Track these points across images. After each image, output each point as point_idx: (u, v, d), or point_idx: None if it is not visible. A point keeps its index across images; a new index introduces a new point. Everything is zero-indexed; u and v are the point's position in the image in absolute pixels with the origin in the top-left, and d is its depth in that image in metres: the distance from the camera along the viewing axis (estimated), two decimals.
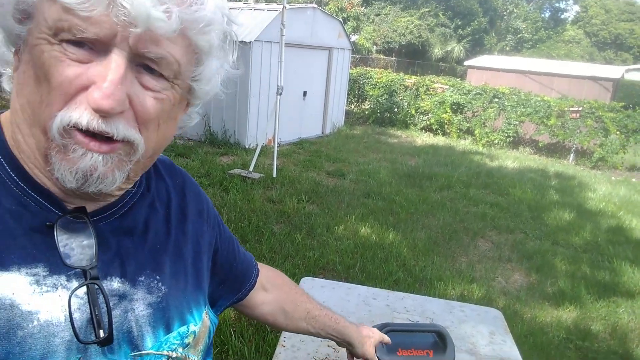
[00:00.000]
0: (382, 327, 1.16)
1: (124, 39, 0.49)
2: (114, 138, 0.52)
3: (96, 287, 0.55)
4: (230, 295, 0.89)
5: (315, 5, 9.15)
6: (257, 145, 6.45)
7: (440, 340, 1.20)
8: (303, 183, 6.08)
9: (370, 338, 1.06)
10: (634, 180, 9.07)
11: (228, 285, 0.87)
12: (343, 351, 1.13)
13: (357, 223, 4.97)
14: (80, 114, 0.49)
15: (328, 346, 1.40)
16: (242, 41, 7.29)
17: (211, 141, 7.73)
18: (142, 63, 0.52)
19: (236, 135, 7.70)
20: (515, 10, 34.35)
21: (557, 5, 40.45)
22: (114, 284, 0.59)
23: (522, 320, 3.49)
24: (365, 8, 25.83)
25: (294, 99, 8.62)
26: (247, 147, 7.56)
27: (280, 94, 6.09)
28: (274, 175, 6.13)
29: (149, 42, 0.50)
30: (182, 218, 0.72)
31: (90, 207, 0.59)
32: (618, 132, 9.42)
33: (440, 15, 28.51)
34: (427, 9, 27.96)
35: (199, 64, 0.58)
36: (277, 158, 6.37)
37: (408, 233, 4.89)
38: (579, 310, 3.75)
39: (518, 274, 4.33)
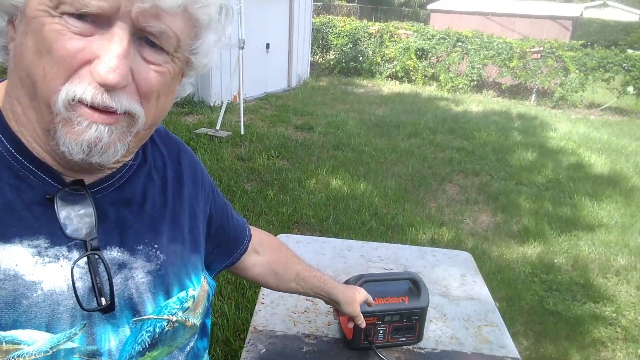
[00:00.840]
0: (357, 279, 1.20)
1: (127, 12, 0.49)
2: (117, 111, 0.53)
3: (96, 257, 0.57)
4: (223, 259, 0.92)
5: None
6: (222, 103, 6.31)
7: (414, 286, 1.25)
8: (272, 139, 6.03)
9: (355, 298, 1.11)
10: (592, 117, 9.37)
11: (222, 250, 0.90)
12: (321, 303, 1.18)
13: (328, 176, 5.01)
14: (85, 89, 0.50)
15: (306, 300, 1.45)
16: None
17: (176, 102, 7.49)
18: (143, 36, 0.53)
19: (200, 93, 7.49)
20: None
21: None
22: (114, 253, 0.61)
23: (490, 258, 3.67)
24: None
25: (257, 53, 8.38)
26: (212, 105, 7.38)
27: (242, 48, 5.91)
28: (242, 133, 6.05)
29: (150, 17, 0.51)
30: (178, 186, 0.74)
31: (88, 180, 0.60)
32: (577, 71, 9.62)
33: None
34: None
35: (198, 38, 0.59)
36: (243, 115, 6.26)
37: (378, 182, 4.97)
38: (542, 245, 3.95)
39: (485, 215, 4.50)
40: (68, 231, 0.56)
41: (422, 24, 12.58)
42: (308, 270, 1.06)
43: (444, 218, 4.33)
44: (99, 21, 0.50)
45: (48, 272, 0.55)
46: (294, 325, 1.34)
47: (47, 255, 0.55)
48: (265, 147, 5.70)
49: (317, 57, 12.64)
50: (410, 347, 1.29)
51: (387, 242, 3.87)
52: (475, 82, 10.50)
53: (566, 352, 2.75)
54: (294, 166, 5.23)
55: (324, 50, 12.60)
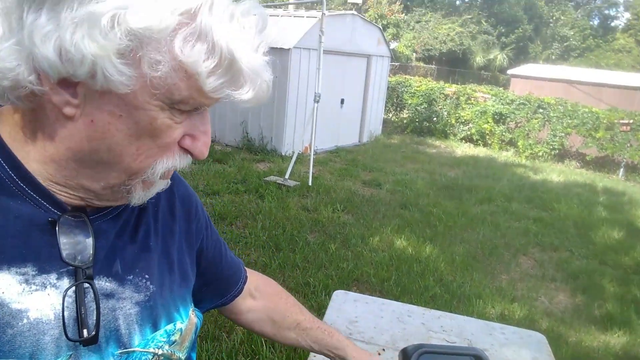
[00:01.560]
0: (416, 349, 1.09)
1: None
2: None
3: (85, 285, 0.57)
4: (214, 299, 0.89)
5: (355, 12, 9.11)
6: (293, 153, 6.44)
7: None
8: (338, 192, 6.02)
9: None
10: None
11: (212, 288, 0.87)
12: None
13: (393, 235, 4.86)
14: (181, 161, 0.57)
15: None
16: (280, 48, 7.34)
17: (248, 148, 7.79)
18: None
19: (273, 142, 7.72)
20: (562, 18, 33.27)
21: (606, 12, 38.91)
22: (102, 282, 0.60)
23: (566, 344, 3.30)
24: (406, 15, 25.62)
25: (331, 107, 8.58)
26: (283, 154, 7.57)
27: (318, 102, 6.07)
28: (310, 184, 6.09)
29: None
30: (170, 217, 0.74)
31: (89, 207, 0.61)
32: None
33: (483, 22, 27.94)
34: (470, 16, 27.45)
35: None
36: (313, 166, 6.34)
37: (446, 247, 4.74)
38: (628, 335, 3.51)
39: (563, 295, 4.11)
40: (65, 257, 0.55)
41: (501, 88, 12.36)
42: (311, 322, 0.97)
43: (516, 293, 4.00)
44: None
45: (35, 300, 0.54)
46: None
47: (34, 283, 0.54)
48: (331, 199, 5.69)
49: (391, 115, 12.73)
50: None
51: (451, 312, 3.63)
52: (557, 151, 10.00)
53: None
54: (358, 221, 5.14)
55: (398, 108, 12.69)
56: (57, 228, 0.56)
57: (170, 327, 0.67)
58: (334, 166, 7.50)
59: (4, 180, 0.55)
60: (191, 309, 0.74)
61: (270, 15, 8.37)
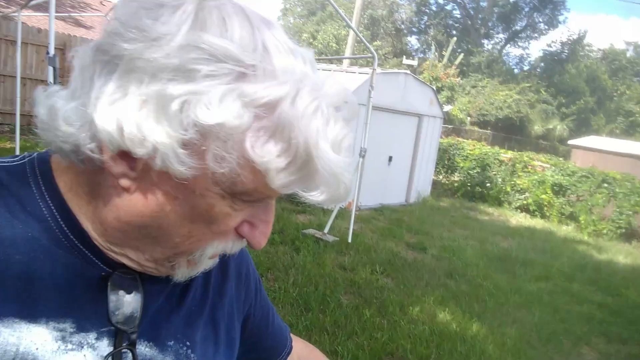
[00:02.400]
0: None
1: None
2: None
3: (124, 351, 0.54)
4: None
5: (409, 72, 9.02)
6: (334, 207, 6.16)
7: None
8: (379, 252, 5.63)
9: None
10: None
11: (254, 357, 0.82)
12: None
13: (436, 306, 4.38)
14: (232, 246, 0.53)
15: None
16: None
17: (290, 198, 7.57)
18: None
19: None
20: (627, 92, 32.18)
21: None
22: (142, 348, 0.57)
23: None
24: (462, 79, 25.57)
25: (378, 164, 8.34)
26: (325, 207, 7.31)
27: (363, 157, 5.84)
28: (349, 241, 5.75)
29: None
30: (221, 278, 0.70)
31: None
32: None
33: (542, 92, 27.42)
34: (528, 84, 27.04)
35: None
36: (355, 223, 6.01)
37: (496, 327, 4.20)
38: None
39: None
40: (111, 317, 0.52)
41: (561, 158, 11.72)
42: None
43: None
44: None
45: None
46: None
47: (70, 342, 0.51)
48: (370, 260, 5.30)
49: (441, 177, 12.29)
50: None
51: None
52: (623, 230, 9.16)
53: None
54: (398, 287, 4.71)
55: (449, 171, 12.25)
56: (108, 283, 0.53)
57: None
58: (377, 224, 7.13)
59: (54, 230, 0.52)
60: None
61: (323, 70, 8.49)
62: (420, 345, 3.60)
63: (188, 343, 0.61)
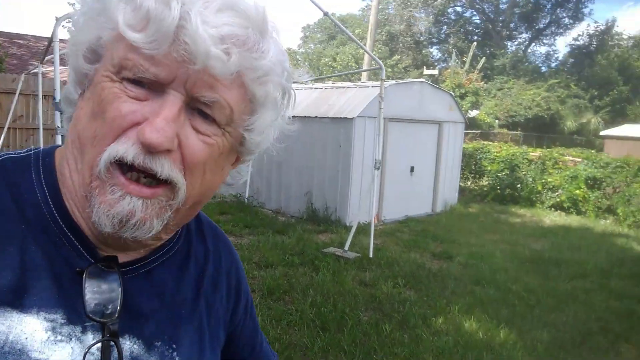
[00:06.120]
0: None
1: (182, 82, 0.50)
2: (158, 177, 0.51)
3: (112, 344, 0.54)
4: None
5: (424, 80, 8.94)
6: (356, 223, 6.09)
7: None
8: (402, 265, 5.50)
9: None
10: None
11: None
12: None
13: (461, 315, 4.23)
14: (128, 148, 0.50)
15: None
16: (344, 117, 7.29)
17: (312, 218, 7.57)
18: (196, 107, 0.53)
19: (337, 213, 7.45)
20: None
21: None
22: (129, 344, 0.57)
23: None
24: (486, 83, 25.12)
25: (400, 175, 8.23)
26: (347, 224, 7.24)
27: (378, 169, 5.78)
28: (371, 256, 5.66)
29: (204, 86, 0.51)
30: (213, 288, 0.70)
31: (122, 258, 0.58)
32: None
33: (572, 86, 26.56)
34: (557, 81, 26.28)
35: (253, 114, 0.57)
36: (378, 237, 5.94)
37: (525, 332, 4.00)
38: None
39: None
40: (89, 310, 0.53)
41: (593, 151, 11.25)
42: None
43: None
44: (155, 88, 0.51)
45: (56, 352, 0.51)
46: None
47: (60, 333, 0.52)
48: (392, 273, 5.19)
49: (469, 183, 12.00)
50: None
51: None
52: None
53: None
54: (421, 298, 4.57)
55: (477, 175, 11.95)
56: (84, 277, 0.54)
57: None
58: (401, 237, 6.99)
59: (45, 216, 0.55)
60: None
61: (337, 88, 8.52)
62: (444, 357, 3.47)
63: (174, 345, 0.62)
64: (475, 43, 27.10)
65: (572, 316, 4.39)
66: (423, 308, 4.34)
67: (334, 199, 7.50)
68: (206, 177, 0.56)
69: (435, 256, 6.10)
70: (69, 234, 0.55)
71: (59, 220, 0.55)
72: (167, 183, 0.52)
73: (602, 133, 14.02)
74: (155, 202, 0.52)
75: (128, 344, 0.57)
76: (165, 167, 0.51)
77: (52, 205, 0.56)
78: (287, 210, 8.04)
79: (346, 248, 5.72)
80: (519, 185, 10.59)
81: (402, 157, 8.19)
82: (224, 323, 0.73)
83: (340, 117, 7.36)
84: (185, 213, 0.58)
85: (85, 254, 0.56)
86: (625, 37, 33.93)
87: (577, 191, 9.66)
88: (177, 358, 0.61)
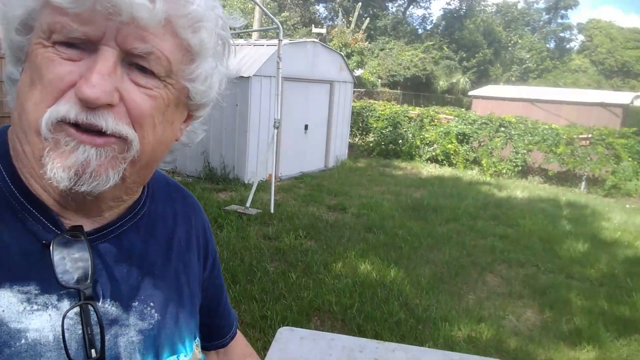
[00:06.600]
0: None
1: (112, 36, 0.50)
2: (105, 132, 0.51)
3: (90, 307, 0.55)
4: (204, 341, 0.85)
5: (316, 40, 9.16)
6: (257, 181, 6.27)
7: None
8: (302, 218, 5.86)
9: None
10: None
11: (203, 331, 0.81)
12: None
13: (357, 259, 4.71)
14: (69, 108, 0.50)
15: None
16: (241, 76, 7.26)
17: (210, 177, 7.58)
18: (133, 63, 0.52)
19: (235, 171, 7.55)
20: (519, 41, 34.62)
21: (562, 35, 40.77)
22: (106, 306, 0.58)
23: None
24: (370, 43, 26.16)
25: (295, 133, 8.50)
26: (246, 182, 7.40)
27: (277, 128, 5.96)
28: (272, 211, 5.92)
29: (135, 38, 0.51)
30: (185, 249, 0.72)
31: (88, 226, 0.59)
32: (630, 159, 9.12)
33: (445, 48, 28.78)
34: (431, 43, 28.26)
35: (192, 63, 0.57)
36: (277, 193, 6.19)
37: (411, 269, 4.61)
38: (597, 350, 3.41)
39: (530, 311, 4.01)
40: (61, 279, 0.54)
41: (463, 109, 12.58)
42: None
43: (483, 313, 3.87)
44: (88, 48, 0.51)
45: (35, 320, 0.52)
46: None
47: (36, 303, 0.53)
48: (293, 226, 5.52)
49: (357, 139, 12.75)
50: None
51: (416, 337, 3.47)
52: (520, 168, 10.13)
53: None
54: (321, 247, 4.98)
55: (364, 132, 12.73)
56: (51, 249, 0.54)
57: (172, 359, 0.65)
58: (299, 192, 7.36)
59: (5, 194, 0.55)
60: (196, 344, 0.71)
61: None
62: (344, 297, 3.89)
63: (152, 304, 0.63)
64: (360, 3, 27.84)
65: (448, 254, 5.11)
66: (323, 256, 4.74)
67: (231, 157, 7.56)
68: (157, 131, 0.56)
69: (331, 208, 6.56)
70: (30, 208, 0.56)
71: (19, 196, 0.56)
72: (118, 138, 0.52)
73: (470, 93, 15.61)
74: (107, 150, 0.52)
75: (106, 307, 0.58)
76: (109, 121, 0.51)
77: (9, 182, 0.56)
78: (184, 170, 7.92)
79: (248, 205, 5.90)
80: (400, 141, 11.54)
81: (297, 116, 8.44)
82: (199, 281, 0.75)
83: (237, 76, 7.33)
84: (143, 170, 0.59)
85: (50, 226, 0.56)
86: (490, 3, 37.29)
87: (450, 145, 10.82)
88: (156, 315, 0.63)
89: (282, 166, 8.24)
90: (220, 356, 0.90)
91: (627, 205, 8.65)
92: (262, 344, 3.03)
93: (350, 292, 3.97)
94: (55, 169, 0.50)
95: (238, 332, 0.94)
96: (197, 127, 0.66)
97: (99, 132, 0.51)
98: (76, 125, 0.50)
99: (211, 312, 0.82)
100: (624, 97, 13.77)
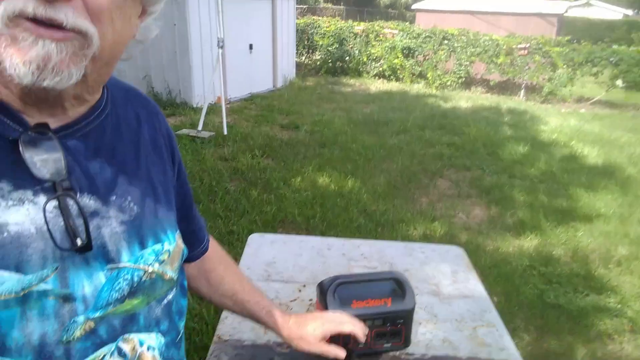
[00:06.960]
0: (332, 281, 1.07)
1: None
2: (65, 26, 0.49)
3: (68, 198, 0.55)
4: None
5: None
6: (207, 104, 6.09)
7: (398, 286, 1.09)
8: (256, 138, 5.83)
9: (305, 334, 0.95)
10: (582, 110, 9.29)
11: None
12: (295, 306, 0.97)
13: (315, 174, 4.82)
14: (26, 1, 0.47)
15: (280, 304, 1.26)
16: None
17: (156, 102, 7.26)
18: None
19: (182, 95, 7.27)
20: None
21: None
22: (86, 199, 0.58)
23: (485, 253, 3.50)
24: None
25: (240, 54, 8.19)
26: (195, 106, 7.17)
27: (222, 47, 5.72)
28: (225, 133, 5.84)
29: None
30: (153, 150, 0.72)
31: (53, 124, 0.57)
32: (565, 66, 9.54)
33: None
34: None
35: None
36: (227, 115, 6.07)
37: (367, 179, 4.79)
38: (539, 237, 3.79)
39: (478, 209, 4.33)
40: (35, 174, 0.54)
41: (407, 24, 12.46)
42: (250, 294, 0.95)
43: (436, 213, 4.15)
44: None
45: (13, 215, 0.52)
46: (265, 333, 1.16)
47: (10, 199, 0.53)
48: (249, 146, 5.50)
49: (304, 58, 12.47)
50: (397, 353, 1.12)
51: (376, 238, 3.70)
52: (463, 79, 10.39)
53: (571, 346, 2.57)
54: (278, 165, 5.03)
55: (310, 50, 12.44)
56: (20, 146, 0.54)
57: (158, 246, 0.66)
58: (250, 113, 7.25)
59: None
60: (178, 234, 0.72)
61: None
62: (306, 208, 4.03)
63: (129, 198, 0.64)
64: None
65: (400, 163, 5.33)
66: (282, 172, 4.81)
67: (175, 81, 7.24)
68: (116, 27, 0.55)
69: (284, 127, 6.55)
70: None
71: None
72: (77, 33, 0.51)
73: (412, 7, 15.41)
74: (68, 45, 0.50)
75: (85, 200, 0.58)
76: (69, 15, 0.49)
77: None
78: None
79: (199, 128, 5.78)
80: (347, 58, 11.40)
81: (240, 36, 8.08)
82: (173, 184, 0.76)
83: None
84: (104, 68, 0.58)
85: (14, 125, 0.55)
86: None
87: (396, 60, 10.83)
88: (135, 208, 0.64)
89: (231, 88, 8.00)
90: (199, 264, 0.92)
91: (563, 110, 9.20)
92: (233, 255, 3.13)
93: (311, 204, 4.11)
94: (15, 64, 0.48)
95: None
96: (151, 23, 0.64)
97: (58, 27, 0.49)
98: (34, 20, 0.48)
99: (186, 218, 0.83)
100: (559, 6, 14.07)
